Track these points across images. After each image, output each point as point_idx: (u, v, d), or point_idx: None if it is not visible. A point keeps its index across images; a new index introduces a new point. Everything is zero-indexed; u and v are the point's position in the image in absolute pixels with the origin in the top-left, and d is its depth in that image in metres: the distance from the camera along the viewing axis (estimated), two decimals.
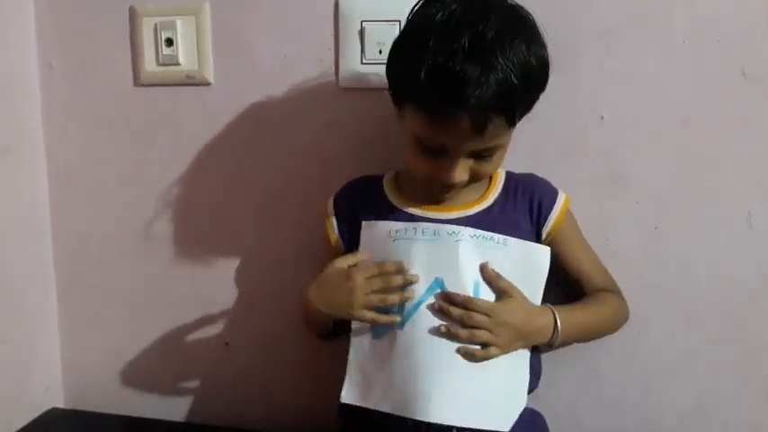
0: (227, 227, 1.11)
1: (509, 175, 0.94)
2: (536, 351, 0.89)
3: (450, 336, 0.80)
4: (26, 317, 1.15)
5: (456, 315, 0.79)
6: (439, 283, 0.82)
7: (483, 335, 0.79)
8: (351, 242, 0.92)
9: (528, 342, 0.84)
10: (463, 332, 0.79)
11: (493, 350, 0.80)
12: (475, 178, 0.83)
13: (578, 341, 0.91)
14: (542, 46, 0.79)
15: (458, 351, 0.80)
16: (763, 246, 0.96)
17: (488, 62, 0.72)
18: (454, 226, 0.85)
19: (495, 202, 0.90)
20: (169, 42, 1.07)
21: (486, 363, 0.80)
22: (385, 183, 0.94)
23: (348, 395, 0.84)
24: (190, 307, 1.15)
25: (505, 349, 0.81)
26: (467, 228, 0.84)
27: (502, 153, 0.83)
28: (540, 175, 0.95)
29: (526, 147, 0.99)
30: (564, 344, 0.87)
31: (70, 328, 1.21)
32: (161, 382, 1.19)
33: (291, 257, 1.09)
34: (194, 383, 1.17)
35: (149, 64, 1.09)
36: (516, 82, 0.73)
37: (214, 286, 1.14)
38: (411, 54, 0.75)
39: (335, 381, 0.99)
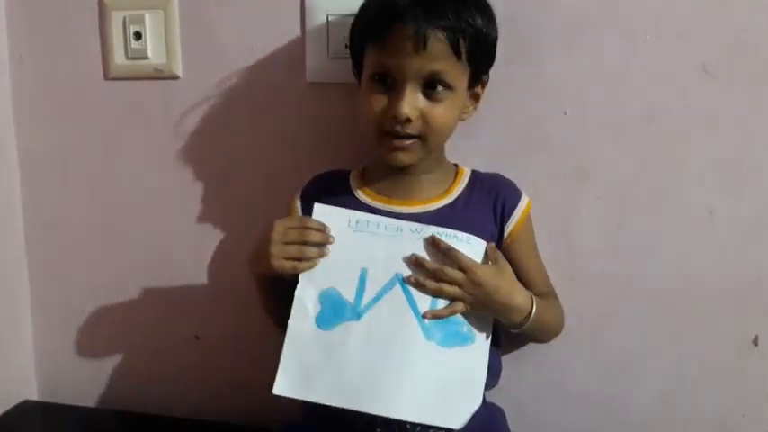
0: (196, 220, 1.12)
1: (475, 173, 0.94)
2: (495, 345, 0.89)
3: (417, 285, 0.81)
4: None
5: (430, 268, 0.81)
6: (399, 278, 0.82)
7: (452, 290, 0.80)
8: None
9: (496, 312, 0.84)
10: (431, 284, 0.80)
11: (458, 305, 0.81)
12: (424, 129, 0.83)
13: (531, 335, 0.91)
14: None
15: (424, 315, 0.80)
16: (724, 240, 0.97)
17: None
18: (417, 224, 0.85)
19: (459, 197, 0.91)
20: (138, 36, 1.08)
21: (443, 359, 0.81)
22: (351, 178, 0.95)
23: (282, 387, 0.82)
24: (161, 300, 1.16)
25: (472, 308, 0.82)
26: (430, 226, 0.84)
27: (452, 103, 0.84)
28: (503, 169, 0.96)
29: (489, 141, 1.00)
30: (524, 332, 0.86)
31: (42, 322, 1.22)
32: (133, 375, 1.19)
33: None
34: (166, 376, 1.18)
35: (118, 57, 1.09)
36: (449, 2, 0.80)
37: (184, 280, 1.14)
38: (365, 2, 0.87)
39: None
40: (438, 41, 0.79)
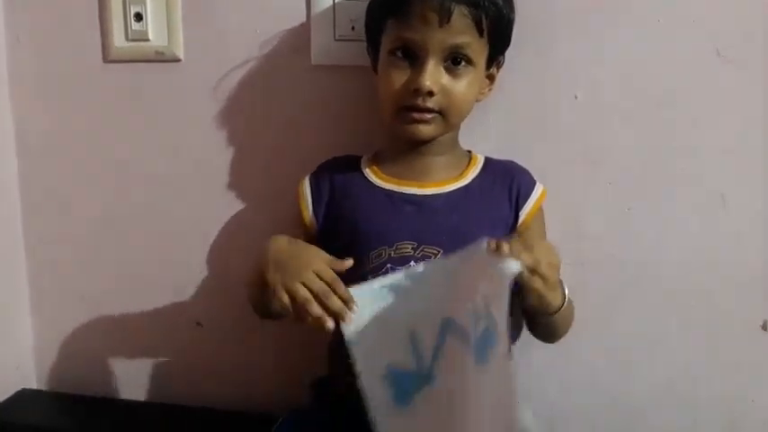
0: (198, 205, 1.10)
1: (488, 159, 0.93)
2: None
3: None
4: None
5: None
6: (445, 322, 0.74)
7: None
8: (326, 224, 0.91)
9: (552, 287, 0.76)
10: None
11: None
12: (445, 103, 0.82)
13: (555, 326, 0.86)
14: None
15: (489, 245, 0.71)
16: (736, 227, 0.96)
17: None
18: (435, 261, 0.81)
19: (474, 181, 0.89)
20: (138, 17, 1.05)
21: (488, 376, 0.72)
22: (363, 161, 0.93)
23: None
24: (162, 287, 1.14)
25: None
26: (444, 259, 0.80)
27: (473, 79, 0.83)
28: (513, 154, 0.95)
29: (500, 126, 0.98)
30: (554, 320, 0.82)
31: (41, 310, 1.20)
32: (133, 363, 1.18)
33: (264, 237, 1.07)
34: (167, 364, 1.17)
35: (118, 39, 1.07)
36: None
37: (186, 266, 1.12)
38: None
39: (307, 358, 1.00)
40: (462, 16, 0.79)
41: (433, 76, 0.80)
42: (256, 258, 0.82)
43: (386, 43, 0.84)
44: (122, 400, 1.17)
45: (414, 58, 0.81)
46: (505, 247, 0.69)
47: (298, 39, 1.01)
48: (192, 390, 1.15)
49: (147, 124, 1.09)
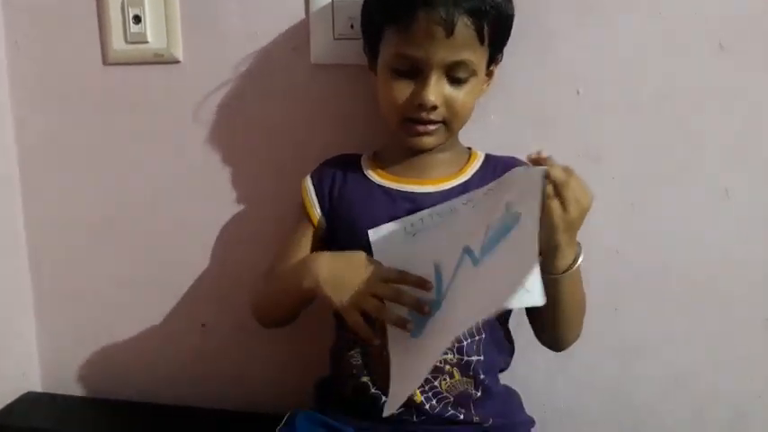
0: (200, 207, 1.10)
1: (489, 156, 0.92)
2: (506, 326, 0.89)
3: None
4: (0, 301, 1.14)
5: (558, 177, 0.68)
6: (466, 251, 0.75)
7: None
8: (328, 222, 0.91)
9: (575, 229, 0.72)
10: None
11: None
12: (448, 114, 0.82)
13: (564, 297, 0.78)
14: None
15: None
16: (741, 220, 0.95)
17: None
18: (464, 196, 0.83)
19: (473, 178, 0.89)
20: (137, 19, 1.05)
21: (492, 263, 0.71)
22: (363, 160, 0.93)
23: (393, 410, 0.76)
24: (166, 289, 1.14)
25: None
26: (476, 191, 0.82)
27: (474, 86, 0.83)
28: (515, 151, 0.93)
29: (501, 123, 0.98)
30: (562, 286, 0.76)
31: (45, 312, 1.20)
32: (138, 365, 1.18)
33: (267, 237, 1.07)
34: (171, 365, 1.16)
35: (117, 42, 1.07)
36: None
37: (190, 268, 1.12)
38: None
39: (311, 359, 0.99)
40: (465, 27, 0.77)
41: (437, 90, 0.80)
42: (292, 278, 0.84)
43: (385, 54, 0.83)
44: (127, 401, 1.16)
45: (415, 71, 0.80)
46: (544, 153, 0.71)
47: (297, 38, 1.01)
48: (197, 391, 1.15)
49: (147, 126, 1.09)
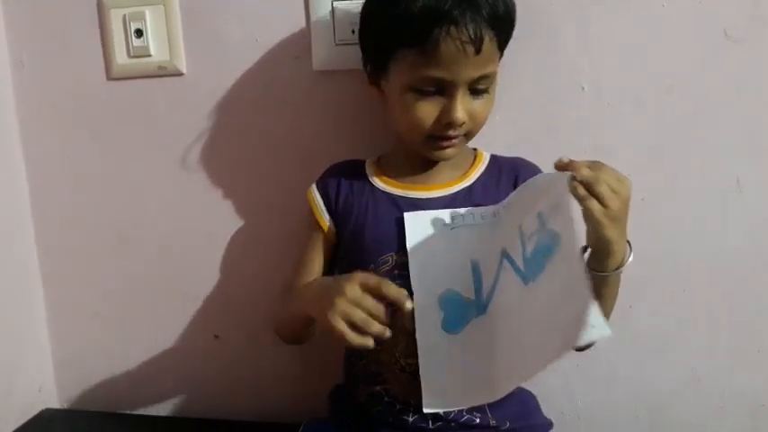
0: (209, 218, 1.10)
1: (495, 157, 0.92)
2: None
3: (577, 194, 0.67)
4: (14, 318, 1.14)
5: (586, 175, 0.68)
6: (504, 254, 0.77)
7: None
8: (338, 228, 0.90)
9: (622, 231, 0.70)
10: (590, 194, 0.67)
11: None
12: (472, 126, 0.81)
13: (604, 300, 0.76)
14: None
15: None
16: (753, 211, 0.94)
17: None
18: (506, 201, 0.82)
19: (478, 181, 0.88)
20: (139, 33, 1.05)
21: (541, 287, 0.71)
22: (367, 166, 0.93)
23: (432, 403, 0.78)
24: (178, 301, 1.14)
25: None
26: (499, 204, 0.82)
27: (492, 93, 0.82)
28: (521, 150, 0.93)
29: (506, 123, 0.97)
30: (611, 282, 0.75)
31: (59, 330, 1.20)
32: (152, 378, 1.18)
33: (276, 247, 1.07)
34: (185, 378, 1.17)
35: (120, 57, 1.07)
36: None
37: (201, 280, 1.12)
38: None
39: (324, 368, 0.99)
40: (490, 42, 0.75)
41: (464, 106, 0.78)
42: (294, 306, 0.85)
43: (401, 74, 0.79)
44: (142, 415, 1.17)
45: (439, 90, 0.78)
46: (565, 159, 0.69)
47: (298, 46, 1.01)
48: (211, 402, 1.15)
49: (154, 138, 1.09)
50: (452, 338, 0.77)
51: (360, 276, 0.71)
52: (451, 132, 0.80)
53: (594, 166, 0.69)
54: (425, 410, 0.78)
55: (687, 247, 0.96)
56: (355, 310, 0.69)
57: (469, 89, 0.78)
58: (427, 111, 0.79)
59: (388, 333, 0.69)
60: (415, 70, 0.77)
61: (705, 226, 0.95)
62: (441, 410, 0.79)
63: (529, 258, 0.73)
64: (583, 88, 0.95)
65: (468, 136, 0.83)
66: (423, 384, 0.78)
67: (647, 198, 0.95)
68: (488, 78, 0.79)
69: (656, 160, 0.95)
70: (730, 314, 0.97)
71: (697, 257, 0.96)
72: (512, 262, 0.75)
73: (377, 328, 0.69)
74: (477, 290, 0.78)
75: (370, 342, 0.69)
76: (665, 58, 0.92)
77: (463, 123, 0.79)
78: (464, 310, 0.78)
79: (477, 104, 0.80)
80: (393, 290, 0.70)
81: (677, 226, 0.96)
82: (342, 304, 0.69)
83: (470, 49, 0.73)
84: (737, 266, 0.95)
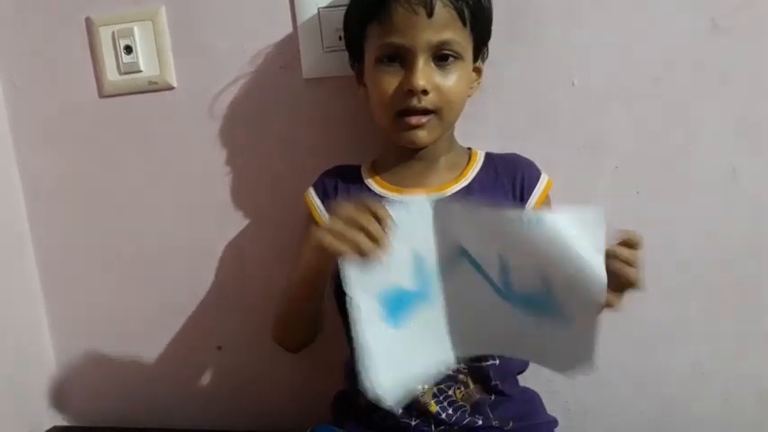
0: (206, 230, 1.10)
1: (489, 155, 0.91)
2: None
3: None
4: (20, 338, 1.15)
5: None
6: (463, 252, 0.74)
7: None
8: None
9: None
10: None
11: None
12: (439, 101, 0.80)
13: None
14: None
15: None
16: (750, 200, 0.93)
17: None
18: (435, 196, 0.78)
19: (475, 180, 0.88)
20: (128, 50, 1.06)
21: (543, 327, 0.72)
22: (363, 171, 0.93)
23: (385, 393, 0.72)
24: (181, 313, 1.14)
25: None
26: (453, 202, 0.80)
27: (463, 73, 0.82)
28: (515, 147, 0.93)
29: (498, 121, 0.97)
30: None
31: (63, 347, 1.21)
32: (157, 391, 1.18)
33: (274, 255, 1.07)
34: (189, 389, 1.17)
35: (111, 74, 1.08)
36: None
37: (201, 291, 1.13)
38: None
39: (328, 377, 0.99)
40: (443, 7, 0.78)
41: (425, 74, 0.79)
42: (296, 272, 0.84)
43: (370, 51, 0.83)
44: (149, 428, 1.17)
45: (402, 60, 0.80)
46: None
47: (286, 54, 1.01)
48: (215, 413, 1.15)
49: (148, 152, 1.10)
50: (396, 330, 0.72)
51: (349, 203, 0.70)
52: (415, 103, 0.80)
53: (610, 252, 0.71)
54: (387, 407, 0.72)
55: (684, 237, 0.95)
56: (347, 229, 0.68)
57: (433, 59, 0.80)
58: (390, 81, 0.81)
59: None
60: (378, 41, 0.81)
61: (702, 216, 0.95)
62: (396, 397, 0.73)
63: (514, 290, 0.71)
64: (573, 83, 0.94)
65: (441, 117, 0.82)
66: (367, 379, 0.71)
67: (642, 191, 0.95)
68: (451, 48, 0.80)
69: (650, 152, 0.94)
70: (731, 304, 0.96)
71: (695, 249, 0.95)
72: (477, 267, 0.73)
73: (367, 245, 0.67)
74: (423, 281, 0.73)
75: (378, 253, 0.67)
76: (654, 49, 0.92)
77: (425, 91, 0.79)
78: (407, 302, 0.73)
79: (443, 78, 0.80)
80: (382, 209, 0.69)
81: (674, 217, 0.95)
82: (336, 225, 0.68)
83: (421, 11, 0.77)
84: (736, 256, 0.95)
